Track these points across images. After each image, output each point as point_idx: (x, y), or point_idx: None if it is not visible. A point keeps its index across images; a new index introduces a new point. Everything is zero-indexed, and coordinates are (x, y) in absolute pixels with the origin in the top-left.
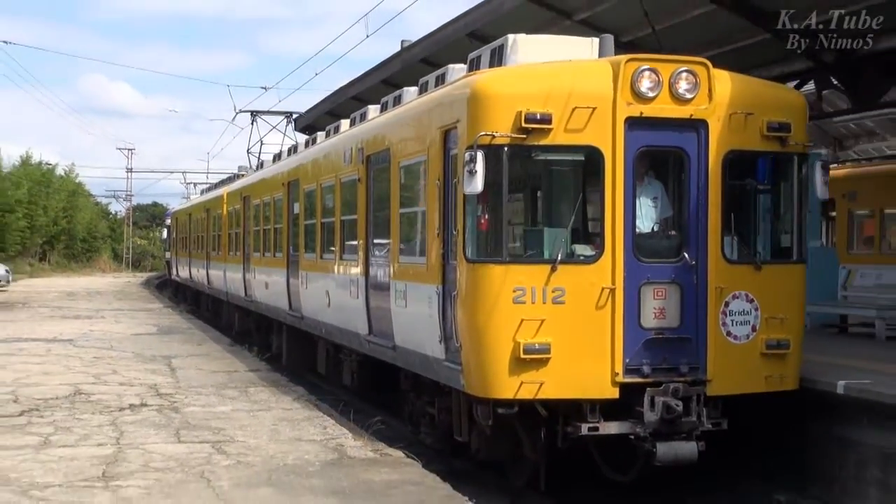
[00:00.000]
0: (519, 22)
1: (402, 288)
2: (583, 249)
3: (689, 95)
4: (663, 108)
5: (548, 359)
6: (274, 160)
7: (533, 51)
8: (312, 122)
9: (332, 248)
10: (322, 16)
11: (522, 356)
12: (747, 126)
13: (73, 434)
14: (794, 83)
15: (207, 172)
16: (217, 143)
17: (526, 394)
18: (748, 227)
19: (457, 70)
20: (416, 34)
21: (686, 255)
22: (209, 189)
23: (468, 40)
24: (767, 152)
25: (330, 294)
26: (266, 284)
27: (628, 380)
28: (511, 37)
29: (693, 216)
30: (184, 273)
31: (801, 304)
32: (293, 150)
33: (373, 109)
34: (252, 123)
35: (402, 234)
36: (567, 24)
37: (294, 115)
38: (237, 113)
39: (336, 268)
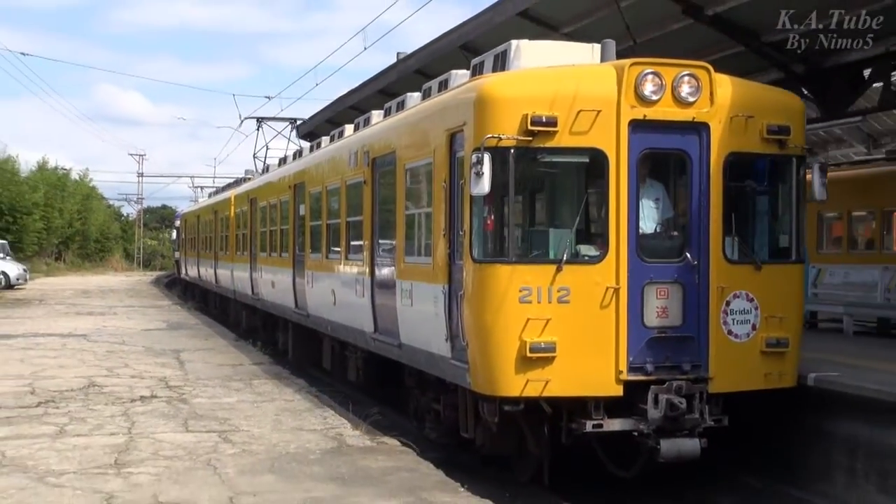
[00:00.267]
0: (509, 35)
1: (407, 287)
2: (587, 250)
3: (691, 99)
4: (666, 111)
5: (553, 357)
6: (279, 164)
7: (535, 56)
8: (313, 130)
9: (338, 249)
10: (322, 29)
11: (528, 355)
12: (748, 129)
13: (87, 424)
14: None
15: (214, 177)
16: (223, 149)
17: (532, 391)
18: (748, 228)
19: (459, 76)
20: (410, 46)
21: (688, 256)
22: (216, 192)
23: (460, 52)
24: (767, 154)
25: (335, 293)
26: (272, 283)
27: (632, 378)
28: (514, 42)
29: (695, 217)
30: (192, 272)
31: (800, 304)
32: (298, 154)
33: (376, 115)
34: (258, 129)
35: (407, 235)
36: (554, 36)
37: (298, 122)
38: (244, 120)
39: (341, 267)
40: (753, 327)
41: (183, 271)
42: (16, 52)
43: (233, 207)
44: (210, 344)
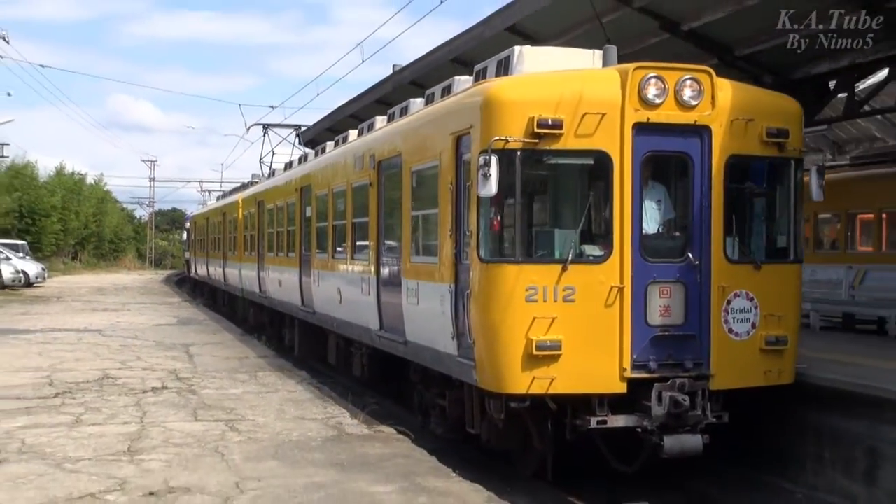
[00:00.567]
0: (497, 49)
1: (413, 286)
2: (592, 250)
3: (693, 102)
4: (669, 114)
5: (559, 355)
6: (285, 168)
7: (538, 61)
8: (314, 137)
9: (344, 249)
10: (323, 43)
11: (535, 353)
12: (748, 132)
13: (102, 414)
14: None
15: (221, 181)
16: (230, 155)
17: (538, 389)
18: (748, 229)
19: (462, 81)
20: (405, 59)
21: (690, 256)
22: (224, 196)
23: (451, 65)
24: (766, 157)
25: (341, 291)
26: (279, 282)
27: (636, 375)
28: (517, 48)
29: (696, 218)
30: (202, 271)
31: (798, 302)
32: (303, 158)
33: (380, 120)
34: (264, 135)
35: (413, 236)
36: None
37: (302, 128)
38: (250, 126)
39: (347, 267)
40: (753, 326)
41: (192, 270)
42: (35, 65)
43: (241, 210)
44: (218, 338)
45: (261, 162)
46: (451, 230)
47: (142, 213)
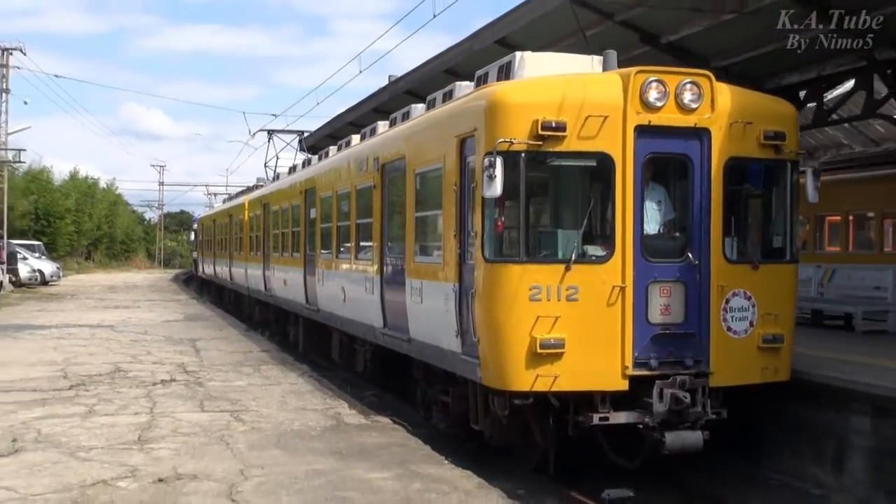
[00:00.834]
0: (487, 61)
1: (417, 285)
2: (594, 250)
3: (693, 105)
4: (669, 117)
5: (562, 353)
6: (290, 172)
7: (539, 66)
8: (315, 143)
9: (348, 249)
10: (322, 54)
11: (538, 351)
12: (746, 134)
13: (114, 405)
14: None
15: (227, 185)
16: (234, 161)
17: (541, 386)
18: (746, 229)
19: (463, 87)
20: (401, 70)
21: (690, 256)
22: (230, 199)
23: (444, 75)
24: (764, 159)
25: (345, 290)
26: (284, 281)
27: (637, 373)
28: (518, 54)
29: (696, 219)
30: (209, 270)
31: (794, 301)
32: (307, 162)
33: (382, 125)
34: (269, 141)
35: (417, 236)
36: None
37: (305, 134)
38: (255, 133)
39: (351, 266)
40: (751, 324)
41: (200, 269)
42: (50, 75)
43: (247, 212)
44: (223, 334)
45: (266, 166)
46: (455, 231)
47: (151, 215)
